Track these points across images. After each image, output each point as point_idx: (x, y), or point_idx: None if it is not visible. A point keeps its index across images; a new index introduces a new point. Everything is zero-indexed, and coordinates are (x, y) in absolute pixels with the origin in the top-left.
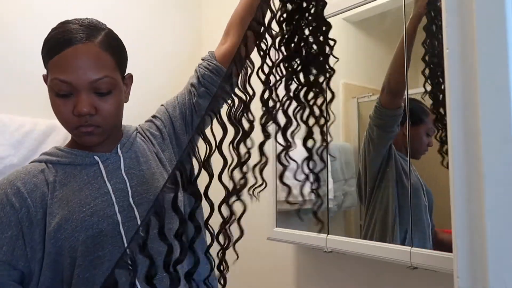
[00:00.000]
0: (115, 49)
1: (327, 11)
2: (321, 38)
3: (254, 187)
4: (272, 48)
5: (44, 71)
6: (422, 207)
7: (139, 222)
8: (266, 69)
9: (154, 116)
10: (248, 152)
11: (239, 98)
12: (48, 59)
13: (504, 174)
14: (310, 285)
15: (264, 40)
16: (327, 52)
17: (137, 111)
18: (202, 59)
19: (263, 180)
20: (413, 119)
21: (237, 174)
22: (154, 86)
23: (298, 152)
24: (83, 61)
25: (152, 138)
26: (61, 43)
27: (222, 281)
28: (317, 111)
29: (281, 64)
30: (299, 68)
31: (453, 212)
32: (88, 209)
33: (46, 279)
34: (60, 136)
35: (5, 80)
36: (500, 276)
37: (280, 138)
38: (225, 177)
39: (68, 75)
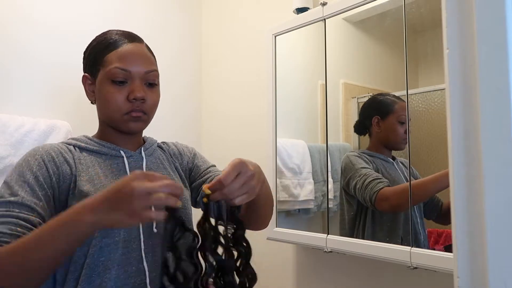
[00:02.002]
0: (152, 54)
1: (327, 11)
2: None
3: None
4: None
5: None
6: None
7: (154, 222)
8: None
9: (179, 148)
10: None
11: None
12: (105, 54)
13: (504, 174)
14: (310, 285)
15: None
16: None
17: None
18: None
19: None
20: (383, 111)
21: None
22: None
23: (299, 153)
24: (140, 55)
25: (174, 157)
26: (119, 40)
27: None
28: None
29: None
30: None
31: (453, 212)
32: None
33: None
34: (60, 136)
35: (5, 80)
36: (500, 276)
37: None
38: None
39: (128, 64)
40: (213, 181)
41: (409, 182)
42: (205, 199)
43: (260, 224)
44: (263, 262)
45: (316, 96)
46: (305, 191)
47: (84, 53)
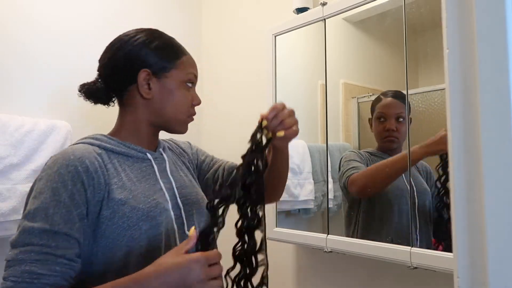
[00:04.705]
0: None
1: (327, 11)
2: None
3: None
4: None
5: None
6: (405, 208)
7: (185, 222)
8: None
9: (181, 146)
10: None
11: None
12: (175, 59)
13: (504, 174)
14: (310, 285)
15: None
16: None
17: None
18: None
19: None
20: (371, 110)
21: None
22: None
23: (299, 153)
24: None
25: (181, 156)
26: (182, 48)
27: None
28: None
29: None
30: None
31: (453, 212)
32: (152, 200)
33: (100, 264)
34: (60, 136)
35: (5, 80)
36: (500, 276)
37: None
38: None
39: (196, 71)
40: (267, 112)
41: (410, 187)
42: (268, 134)
43: (277, 190)
44: None
45: (316, 96)
46: (305, 191)
47: (145, 46)
